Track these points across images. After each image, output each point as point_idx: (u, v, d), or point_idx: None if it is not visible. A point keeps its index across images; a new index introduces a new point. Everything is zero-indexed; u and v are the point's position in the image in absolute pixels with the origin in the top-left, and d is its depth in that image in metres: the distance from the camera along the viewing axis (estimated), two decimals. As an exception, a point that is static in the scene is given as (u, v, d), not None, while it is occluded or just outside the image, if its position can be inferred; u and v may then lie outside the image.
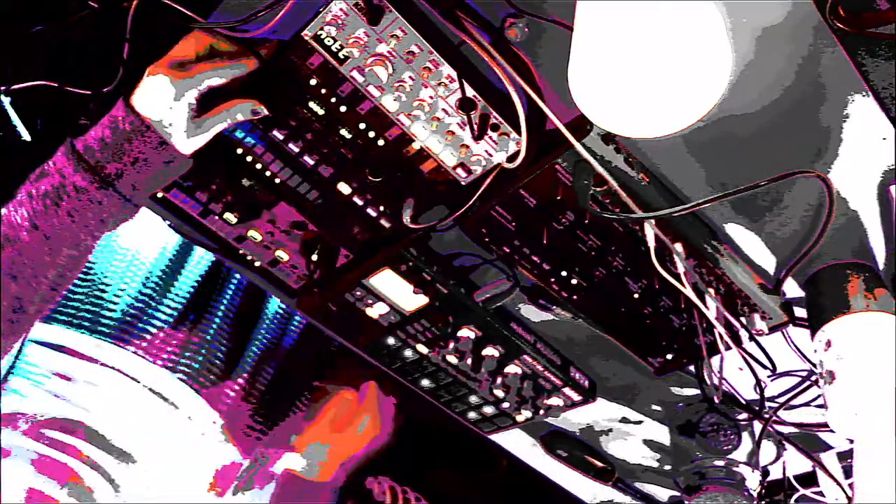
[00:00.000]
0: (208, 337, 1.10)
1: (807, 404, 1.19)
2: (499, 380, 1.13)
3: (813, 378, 1.13)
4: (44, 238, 0.72)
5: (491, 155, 0.86)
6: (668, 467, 1.41)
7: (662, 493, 1.50)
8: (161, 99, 0.75)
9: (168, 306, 1.08)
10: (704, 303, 0.93)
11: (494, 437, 1.35)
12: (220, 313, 1.13)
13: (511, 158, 0.84)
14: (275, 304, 1.23)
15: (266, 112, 0.80)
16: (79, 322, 1.00)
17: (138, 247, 1.10)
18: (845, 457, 1.28)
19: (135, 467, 0.97)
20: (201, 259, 1.15)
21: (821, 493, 1.30)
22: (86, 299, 1.02)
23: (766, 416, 1.16)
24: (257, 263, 1.00)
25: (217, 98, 0.78)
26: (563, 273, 0.98)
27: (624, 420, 1.33)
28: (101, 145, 0.73)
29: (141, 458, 0.98)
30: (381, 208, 0.94)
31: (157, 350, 1.04)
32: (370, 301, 1.03)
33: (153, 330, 1.05)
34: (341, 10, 0.75)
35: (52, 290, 0.75)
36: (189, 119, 0.76)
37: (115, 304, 1.03)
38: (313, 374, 1.26)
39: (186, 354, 1.06)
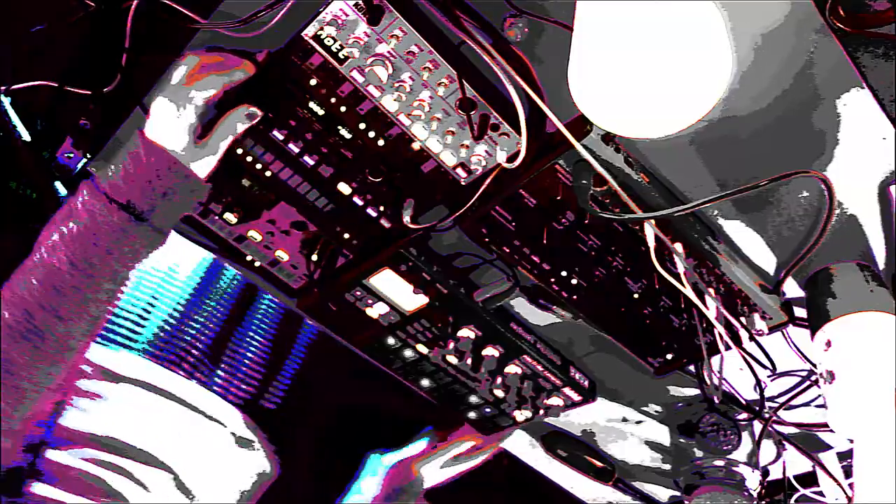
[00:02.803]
0: (242, 351, 1.13)
1: (807, 404, 1.19)
2: (499, 380, 1.13)
3: (813, 378, 1.13)
4: (86, 276, 0.73)
5: (491, 155, 0.86)
6: (668, 467, 1.41)
7: (662, 493, 1.50)
8: (169, 124, 0.76)
9: (201, 322, 1.10)
10: (704, 303, 0.93)
11: (494, 437, 1.35)
12: (252, 330, 1.16)
13: (511, 158, 0.84)
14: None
15: (259, 112, 0.81)
16: (113, 339, 1.01)
17: (172, 263, 1.12)
18: (845, 457, 1.28)
19: (172, 480, 0.98)
20: (231, 275, 1.18)
21: (821, 493, 1.30)
22: (121, 317, 1.03)
23: (766, 416, 1.16)
24: (257, 263, 1.00)
25: (217, 116, 0.79)
26: (563, 273, 0.98)
27: (624, 420, 1.33)
28: (129, 183, 0.75)
29: (180, 471, 0.99)
30: (381, 208, 0.94)
31: (191, 366, 1.05)
32: (370, 301, 1.03)
33: (185, 345, 1.06)
34: (341, 10, 0.75)
35: (93, 324, 0.78)
36: (193, 141, 0.77)
37: (148, 320, 1.05)
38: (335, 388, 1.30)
39: (221, 368, 1.08)
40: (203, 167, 0.79)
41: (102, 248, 0.74)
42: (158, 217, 0.77)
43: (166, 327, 1.06)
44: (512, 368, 1.12)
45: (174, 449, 0.99)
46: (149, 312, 1.06)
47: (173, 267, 1.13)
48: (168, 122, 0.76)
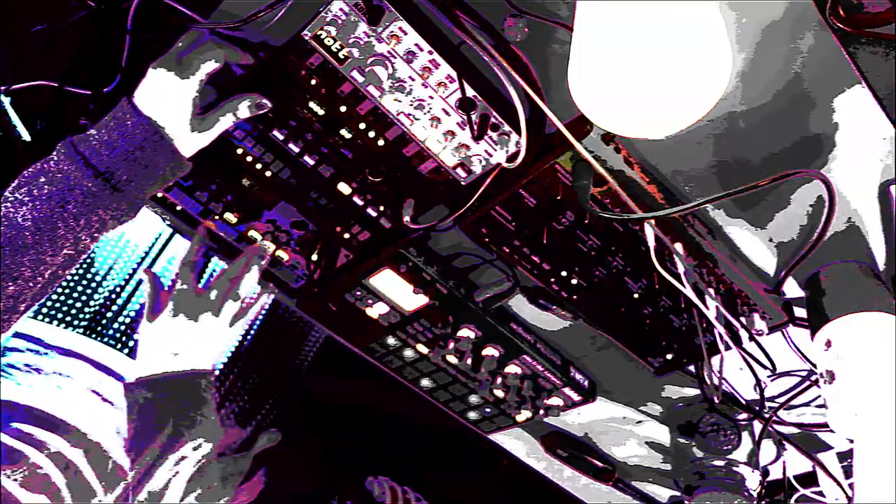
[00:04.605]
0: None
1: (807, 404, 1.19)
2: (499, 380, 1.13)
3: (813, 378, 1.13)
4: (48, 240, 0.70)
5: (491, 155, 0.86)
6: (668, 467, 1.41)
7: (662, 493, 1.50)
8: (164, 95, 0.74)
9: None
10: (704, 303, 0.93)
11: (494, 437, 1.35)
12: None
13: (511, 158, 0.84)
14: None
15: (269, 105, 0.80)
16: (58, 316, 0.99)
17: (122, 242, 1.11)
18: (845, 457, 1.28)
19: (106, 461, 0.96)
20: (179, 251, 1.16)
21: (821, 493, 1.30)
22: (68, 294, 1.02)
23: (766, 416, 1.15)
24: (257, 263, 1.00)
25: (219, 96, 0.78)
26: (563, 273, 0.98)
27: (624, 420, 1.33)
28: (110, 150, 0.72)
29: (111, 451, 0.96)
30: (381, 208, 0.94)
31: (129, 342, 1.04)
32: (370, 301, 1.03)
33: (129, 322, 1.05)
34: (341, 10, 0.75)
35: (45, 288, 0.74)
36: (193, 115, 0.76)
37: (94, 298, 1.03)
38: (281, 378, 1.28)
39: None
40: (192, 144, 0.77)
41: (70, 213, 0.70)
42: (134, 189, 0.73)
43: (110, 305, 1.05)
44: (512, 368, 1.12)
45: (105, 427, 0.97)
46: (95, 290, 1.04)
47: (124, 245, 1.11)
48: (164, 93, 0.73)
